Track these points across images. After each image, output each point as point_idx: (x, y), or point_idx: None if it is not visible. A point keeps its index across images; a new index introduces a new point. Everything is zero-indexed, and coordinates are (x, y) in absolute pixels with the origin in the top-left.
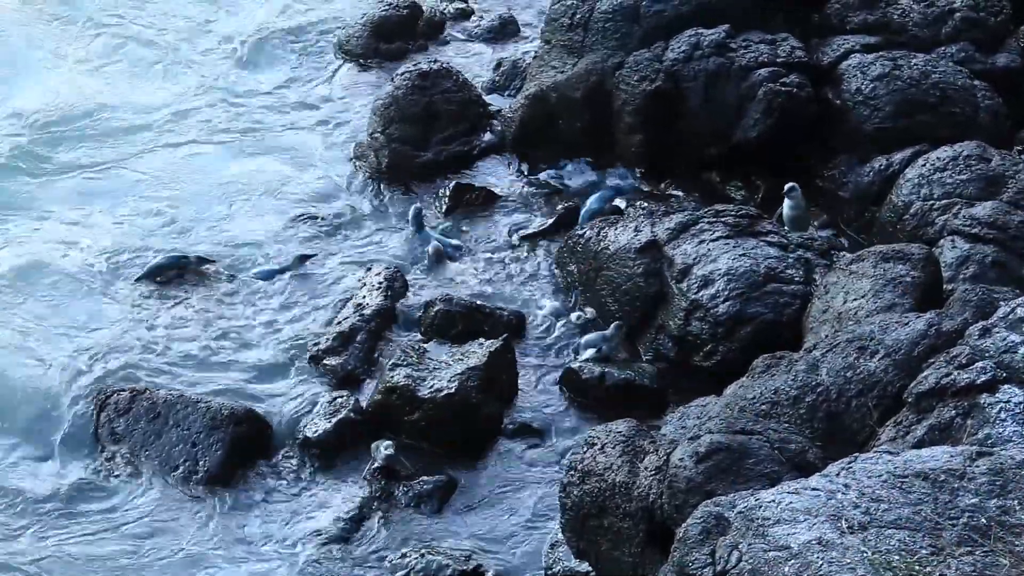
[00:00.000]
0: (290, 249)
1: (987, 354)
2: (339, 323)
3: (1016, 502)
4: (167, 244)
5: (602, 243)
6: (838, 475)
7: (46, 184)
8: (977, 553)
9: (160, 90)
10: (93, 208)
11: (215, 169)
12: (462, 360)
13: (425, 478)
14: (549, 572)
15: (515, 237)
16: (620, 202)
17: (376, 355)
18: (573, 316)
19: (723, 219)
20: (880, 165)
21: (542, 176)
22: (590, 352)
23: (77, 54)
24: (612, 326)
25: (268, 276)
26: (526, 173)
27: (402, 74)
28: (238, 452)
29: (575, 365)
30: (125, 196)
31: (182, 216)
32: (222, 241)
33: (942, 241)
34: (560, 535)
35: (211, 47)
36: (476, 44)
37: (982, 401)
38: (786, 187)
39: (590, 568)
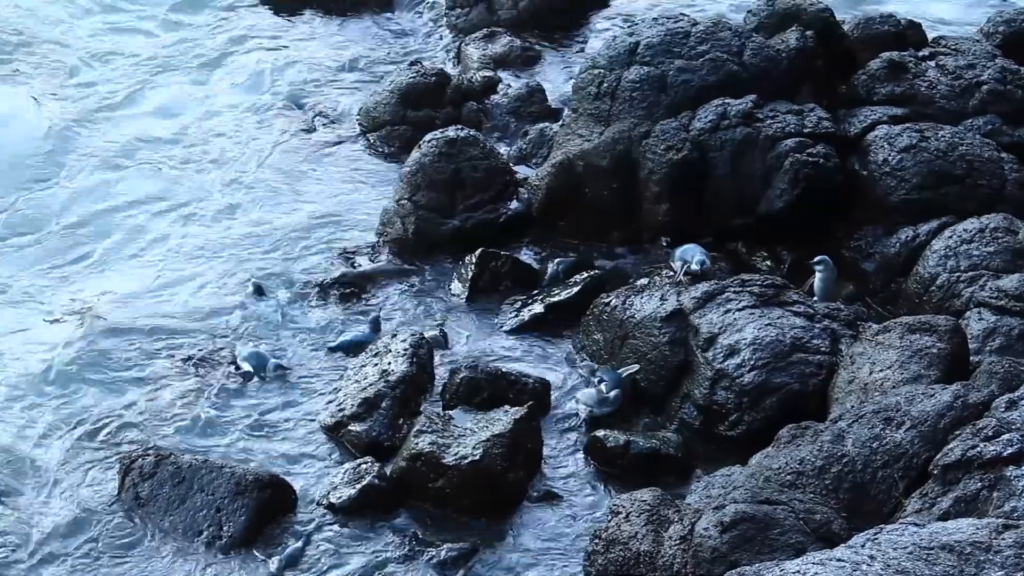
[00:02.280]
0: (319, 317)
1: (1013, 426)
2: (364, 389)
3: None
4: (193, 314)
5: (628, 311)
6: (863, 546)
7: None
8: None
9: (175, 165)
10: (112, 273)
11: (242, 231)
12: (487, 427)
13: (449, 545)
14: None
15: (541, 305)
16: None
17: (401, 422)
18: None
19: (749, 288)
20: (906, 236)
21: (569, 244)
22: (584, 410)
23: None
24: (613, 393)
25: (348, 347)
26: (553, 241)
27: (429, 140)
28: (263, 518)
29: (600, 433)
30: (144, 272)
31: (208, 283)
32: (246, 309)
33: (968, 313)
34: None
35: (232, 116)
36: (503, 112)
37: (1008, 474)
38: (816, 259)
39: None
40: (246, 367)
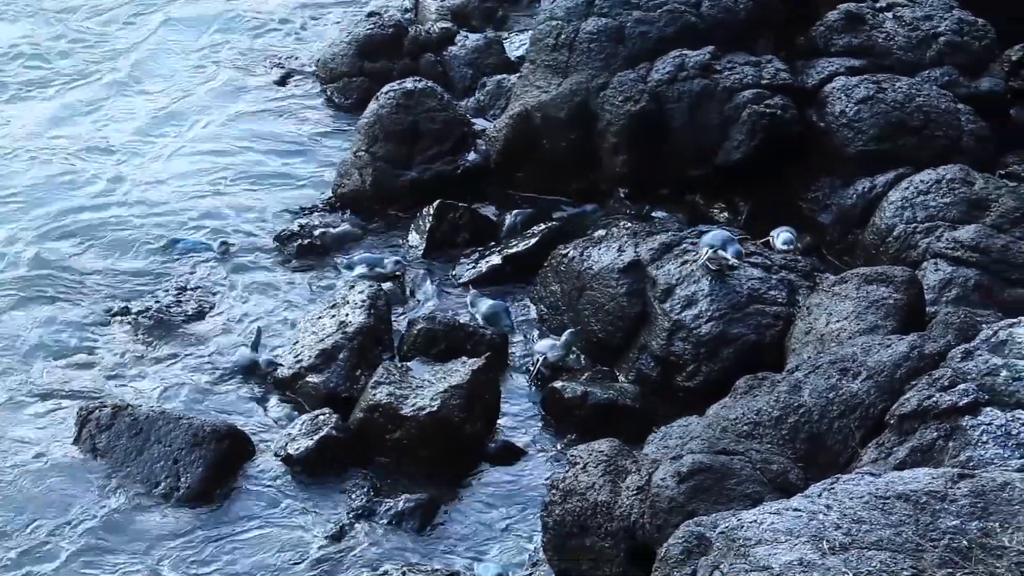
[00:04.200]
0: (269, 270)
1: (969, 376)
2: (321, 340)
3: (997, 524)
4: (154, 265)
5: (585, 263)
6: (820, 496)
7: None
8: (958, 575)
9: (131, 114)
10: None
11: (200, 184)
12: (444, 379)
13: (407, 496)
14: None
15: (499, 256)
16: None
17: (359, 373)
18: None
19: None
20: (863, 188)
21: (526, 196)
22: (539, 359)
23: None
24: (566, 333)
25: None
26: (511, 192)
27: (386, 92)
28: (220, 469)
29: (557, 384)
30: (99, 217)
31: (180, 220)
32: (203, 260)
33: (925, 264)
34: (541, 554)
35: (186, 66)
36: (460, 64)
37: (964, 423)
38: (783, 233)
39: None
40: (244, 357)
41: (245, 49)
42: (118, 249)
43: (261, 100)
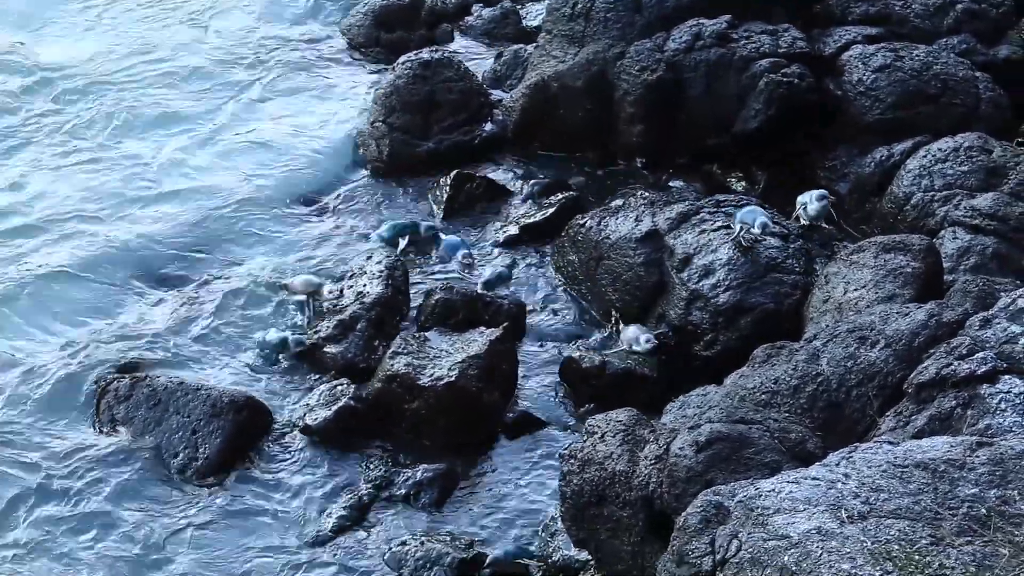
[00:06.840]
0: (289, 238)
1: (987, 344)
2: (339, 311)
3: (1016, 492)
4: (174, 234)
5: (603, 232)
6: (838, 465)
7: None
8: (977, 543)
9: (154, 82)
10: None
11: (215, 160)
12: (463, 349)
13: (425, 466)
14: (548, 561)
15: (516, 226)
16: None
17: (376, 343)
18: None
19: (724, 209)
20: (881, 156)
21: (543, 166)
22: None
23: None
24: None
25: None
26: (528, 162)
27: (403, 63)
28: (238, 439)
29: (575, 354)
30: (128, 189)
31: (188, 205)
32: (223, 229)
33: (943, 232)
34: (559, 524)
35: (208, 36)
36: (477, 35)
37: (982, 391)
38: (815, 199)
39: (589, 557)
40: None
41: (266, 18)
42: (128, 217)
43: (279, 68)
